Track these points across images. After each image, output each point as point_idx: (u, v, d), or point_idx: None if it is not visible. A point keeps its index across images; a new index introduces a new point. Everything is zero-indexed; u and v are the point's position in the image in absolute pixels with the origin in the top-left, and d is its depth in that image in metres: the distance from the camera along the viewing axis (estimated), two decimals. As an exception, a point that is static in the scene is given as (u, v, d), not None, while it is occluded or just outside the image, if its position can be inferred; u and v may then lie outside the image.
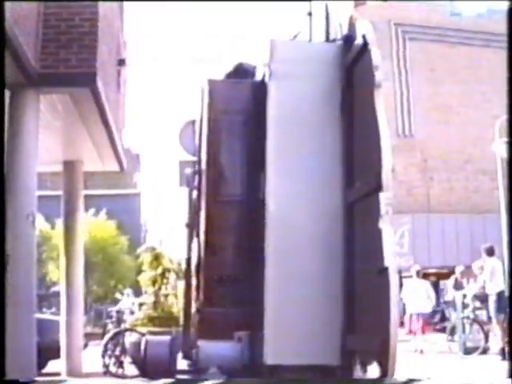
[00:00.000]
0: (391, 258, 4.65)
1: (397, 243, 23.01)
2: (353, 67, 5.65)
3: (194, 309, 6.70)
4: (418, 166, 24.42)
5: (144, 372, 7.01)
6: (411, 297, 16.59)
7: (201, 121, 6.80)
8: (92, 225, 27.82)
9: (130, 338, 12.24)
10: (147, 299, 13.25)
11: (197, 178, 6.85)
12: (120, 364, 12.31)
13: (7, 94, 8.29)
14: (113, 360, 12.29)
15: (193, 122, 7.74)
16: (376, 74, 5.04)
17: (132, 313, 14.80)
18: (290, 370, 5.59)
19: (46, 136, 10.24)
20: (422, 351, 15.28)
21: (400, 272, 21.55)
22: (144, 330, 12.09)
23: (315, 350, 5.57)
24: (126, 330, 12.75)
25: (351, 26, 5.73)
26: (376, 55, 5.08)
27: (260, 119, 6.03)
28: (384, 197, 4.78)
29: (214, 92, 6.49)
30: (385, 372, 4.79)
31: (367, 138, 5.18)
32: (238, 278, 6.16)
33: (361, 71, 5.48)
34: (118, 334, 12.64)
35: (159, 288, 13.21)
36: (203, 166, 6.54)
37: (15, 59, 7.69)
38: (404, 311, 17.20)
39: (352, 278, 5.50)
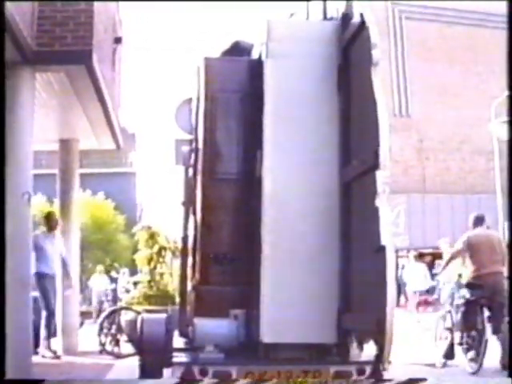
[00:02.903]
0: (388, 237, 4.66)
1: (392, 223, 23.13)
2: (350, 46, 5.64)
3: (189, 287, 6.71)
4: (413, 146, 24.43)
5: (140, 350, 7.02)
6: (410, 277, 19.16)
7: (197, 99, 6.77)
8: (90, 205, 27.79)
9: (125, 317, 12.28)
10: (143, 278, 13.24)
11: (193, 156, 6.83)
12: (116, 342, 12.32)
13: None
14: (109, 338, 12.30)
15: (189, 101, 7.71)
16: (373, 52, 5.02)
17: (128, 291, 14.80)
18: (287, 348, 5.61)
19: (42, 114, 10.16)
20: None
21: (396, 252, 21.67)
22: (140, 308, 12.07)
23: (311, 329, 5.59)
24: (122, 308, 12.73)
25: (348, 4, 5.70)
26: (373, 33, 5.07)
27: (257, 97, 6.02)
28: (381, 175, 4.78)
29: (210, 70, 6.47)
30: (381, 350, 4.81)
31: (364, 116, 5.17)
32: (234, 256, 6.16)
33: (358, 50, 5.46)
34: (114, 313, 12.63)
35: (155, 267, 13.19)
36: (199, 144, 6.52)
37: (11, 37, 7.61)
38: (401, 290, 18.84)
39: (349, 257, 5.51)
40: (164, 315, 7.18)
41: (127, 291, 14.83)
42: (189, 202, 6.79)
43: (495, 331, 8.71)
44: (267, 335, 5.57)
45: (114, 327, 12.46)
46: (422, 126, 24.25)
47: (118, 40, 11.40)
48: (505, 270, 9.04)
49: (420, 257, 21.26)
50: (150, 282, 12.85)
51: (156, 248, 13.17)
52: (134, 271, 18.90)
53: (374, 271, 4.83)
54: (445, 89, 23.97)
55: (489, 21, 24.07)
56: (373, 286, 4.86)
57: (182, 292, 6.77)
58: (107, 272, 24.69)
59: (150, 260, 13.01)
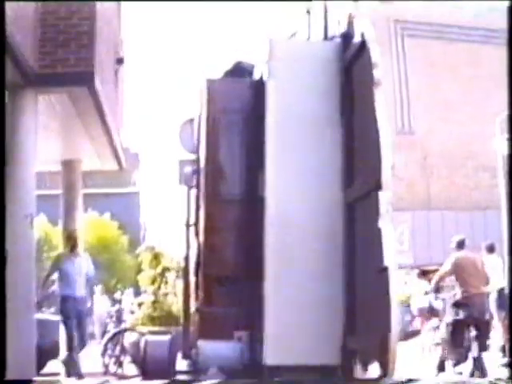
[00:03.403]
0: (391, 258, 4.62)
1: (397, 241, 23.01)
2: (352, 65, 5.61)
3: (193, 308, 6.67)
4: (417, 162, 24.37)
5: (144, 372, 7.00)
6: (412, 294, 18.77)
7: (199, 120, 6.76)
8: (95, 225, 27.82)
9: (129, 338, 12.23)
10: (147, 298, 13.17)
11: (196, 176, 6.81)
12: (120, 364, 12.28)
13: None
14: (113, 360, 12.26)
15: (191, 121, 7.70)
16: (375, 71, 5.00)
17: (132, 312, 14.73)
18: (291, 370, 5.55)
19: (44, 136, 10.20)
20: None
21: (401, 269, 21.61)
22: (144, 329, 12.01)
23: (316, 350, 5.53)
24: (126, 329, 12.71)
25: (350, 23, 5.69)
26: (375, 52, 5.05)
27: (259, 118, 6.00)
28: (384, 196, 4.74)
29: (212, 91, 6.45)
30: (385, 371, 4.76)
31: (367, 136, 5.14)
32: (237, 278, 6.12)
33: (360, 69, 5.44)
34: (118, 334, 12.60)
35: (158, 287, 13.12)
36: (202, 164, 6.50)
37: (13, 59, 7.65)
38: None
39: (353, 278, 5.46)
40: (167, 337, 7.16)
41: (132, 312, 14.75)
42: (191, 223, 6.76)
43: (482, 349, 9.38)
44: (271, 357, 5.52)
45: (117, 349, 12.44)
46: (425, 142, 24.21)
47: (120, 61, 11.45)
48: (487, 291, 10.01)
49: (423, 274, 21.19)
50: (154, 302, 12.78)
51: (160, 269, 13.11)
52: (138, 292, 18.87)
53: (377, 292, 4.78)
54: (448, 105, 23.95)
55: (492, 37, 24.06)
56: (377, 307, 4.81)
57: (185, 313, 6.73)
58: (112, 293, 24.65)
59: (153, 281, 12.93)
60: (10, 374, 8.01)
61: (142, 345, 7.48)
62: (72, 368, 10.37)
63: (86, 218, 26.78)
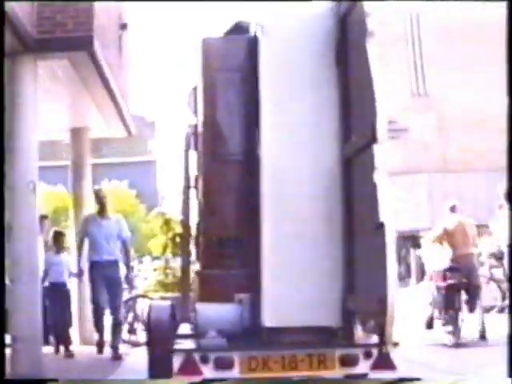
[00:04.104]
0: (387, 214, 4.48)
1: (414, 204, 22.78)
2: (346, 19, 5.44)
3: (193, 272, 6.59)
4: (433, 125, 24.06)
5: (148, 337, 6.92)
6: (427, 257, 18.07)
7: (197, 80, 6.61)
8: (114, 194, 27.81)
9: (142, 305, 12.22)
10: (158, 265, 13.14)
11: (195, 138, 6.69)
12: (133, 331, 12.26)
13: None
14: (126, 327, 12.23)
15: None
16: (368, 21, 4.81)
17: (145, 279, 14.71)
18: (290, 332, 5.46)
19: (49, 103, 10.11)
20: None
21: (418, 232, 21.32)
22: (156, 295, 12.01)
23: (315, 312, 5.43)
24: (138, 296, 12.66)
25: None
26: (368, 3, 4.86)
27: (257, 75, 5.85)
28: (379, 149, 4.59)
29: (207, 50, 6.30)
30: (383, 331, 4.65)
31: (362, 89, 4.98)
32: (238, 239, 6.01)
33: (354, 22, 5.26)
34: (130, 301, 12.56)
35: (171, 253, 13.07)
36: (200, 125, 6.37)
37: (11, 25, 7.52)
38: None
39: (351, 236, 5.35)
40: (169, 302, 7.09)
41: (145, 279, 14.74)
42: (191, 186, 6.65)
43: (471, 310, 10.12)
44: (269, 319, 5.43)
45: (130, 316, 12.41)
46: (441, 105, 23.86)
47: (123, 26, 11.28)
48: (475, 252, 10.55)
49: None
50: (165, 269, 12.75)
51: (171, 234, 13.04)
52: (154, 259, 18.83)
53: (374, 250, 4.66)
54: (465, 67, 23.54)
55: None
56: (374, 266, 4.69)
57: (185, 277, 6.62)
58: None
59: (165, 247, 12.89)
60: (17, 346, 8.02)
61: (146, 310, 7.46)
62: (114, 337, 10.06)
63: (105, 186, 26.98)
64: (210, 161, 6.19)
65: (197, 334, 5.79)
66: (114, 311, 9.94)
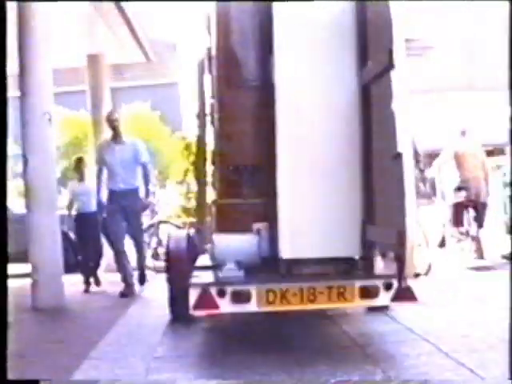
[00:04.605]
0: (405, 144, 4.28)
1: (437, 122, 22.34)
2: None
3: (209, 201, 6.47)
4: (459, 43, 23.44)
5: (166, 268, 6.89)
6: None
7: (211, 5, 6.36)
8: (136, 116, 27.62)
9: (165, 230, 12.21)
10: (181, 190, 13.05)
11: (209, 63, 6.48)
12: (156, 255, 12.30)
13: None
14: (149, 252, 12.28)
15: None
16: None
17: (168, 204, 14.67)
18: (308, 263, 5.35)
19: (63, 30, 9.90)
20: None
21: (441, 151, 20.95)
22: (178, 221, 11.98)
23: (334, 242, 5.29)
24: (160, 222, 12.65)
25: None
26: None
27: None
28: (397, 76, 4.35)
29: None
30: (402, 266, 4.51)
31: (379, 16, 4.71)
32: (255, 167, 5.85)
33: None
34: (153, 227, 12.57)
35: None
36: (214, 49, 6.15)
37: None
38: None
39: (369, 165, 5.16)
40: (189, 232, 7.03)
41: (168, 204, 14.72)
42: (205, 112, 6.46)
43: (480, 226, 10.91)
44: (287, 251, 5.31)
45: (154, 241, 12.44)
46: (468, 25, 23.33)
47: None
48: (483, 175, 11.11)
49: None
50: (187, 193, 12.63)
51: (192, 159, 12.86)
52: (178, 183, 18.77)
53: (392, 181, 4.48)
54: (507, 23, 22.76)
55: None
56: (392, 197, 4.52)
57: (201, 207, 6.49)
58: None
59: (186, 172, 12.73)
60: (38, 276, 8.03)
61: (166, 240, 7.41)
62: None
63: (126, 109, 26.76)
64: (224, 87, 5.99)
65: (214, 266, 5.70)
66: (136, 246, 9.34)
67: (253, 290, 5.12)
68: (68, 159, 24.23)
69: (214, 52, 6.16)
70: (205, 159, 6.46)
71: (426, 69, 22.14)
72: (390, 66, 4.38)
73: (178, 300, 6.63)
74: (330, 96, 5.36)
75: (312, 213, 5.34)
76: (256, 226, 5.78)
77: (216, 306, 5.13)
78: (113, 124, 9.25)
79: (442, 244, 11.47)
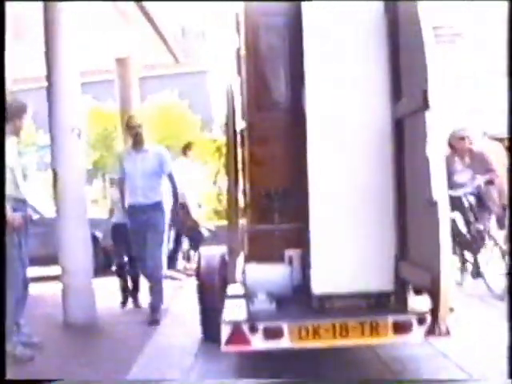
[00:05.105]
0: (441, 192, 4.16)
1: (469, 110, 21.99)
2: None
3: (240, 226, 6.39)
4: (490, 30, 23.05)
5: (199, 286, 6.85)
6: None
7: (238, 24, 6.27)
8: (163, 105, 27.54)
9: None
10: (211, 192, 12.96)
11: (239, 86, 6.39)
12: (188, 258, 12.28)
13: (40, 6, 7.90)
14: (180, 255, 12.27)
15: None
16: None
17: (199, 206, 14.59)
18: (340, 297, 5.27)
19: (91, 35, 9.84)
20: None
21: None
22: (210, 224, 11.91)
23: (366, 277, 5.20)
24: (192, 225, 12.58)
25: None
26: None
27: (301, 21, 5.48)
28: (431, 119, 4.22)
29: None
30: (436, 308, 4.41)
31: (413, 43, 4.56)
32: (287, 192, 5.79)
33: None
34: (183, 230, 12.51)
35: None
36: (244, 72, 6.07)
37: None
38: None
39: (403, 201, 5.05)
40: (221, 250, 6.96)
41: (199, 206, 14.63)
42: (235, 136, 6.37)
43: None
44: (319, 286, 5.24)
45: (186, 243, 12.40)
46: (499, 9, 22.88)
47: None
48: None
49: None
50: (218, 195, 12.54)
51: (223, 161, 12.79)
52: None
53: (427, 224, 4.37)
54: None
55: None
56: (427, 240, 4.41)
57: (232, 232, 6.39)
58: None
59: (217, 173, 12.64)
60: (68, 280, 7.99)
61: (197, 258, 7.35)
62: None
63: (154, 99, 26.69)
64: (254, 110, 5.93)
65: (245, 296, 5.64)
66: (153, 269, 8.22)
67: (285, 326, 5.06)
68: (98, 150, 24.33)
69: (244, 74, 6.08)
70: (236, 183, 6.37)
71: (458, 56, 21.85)
72: (425, 106, 4.24)
73: (209, 321, 6.61)
74: (362, 123, 5.25)
75: (345, 243, 5.26)
76: (288, 252, 5.74)
77: (248, 343, 5.07)
78: (134, 130, 8.30)
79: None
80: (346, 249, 5.23)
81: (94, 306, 8.25)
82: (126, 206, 8.38)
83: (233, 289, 6.05)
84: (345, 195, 5.26)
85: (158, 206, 8.22)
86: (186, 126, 28.80)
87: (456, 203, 8.49)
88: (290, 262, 5.71)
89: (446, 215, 4.13)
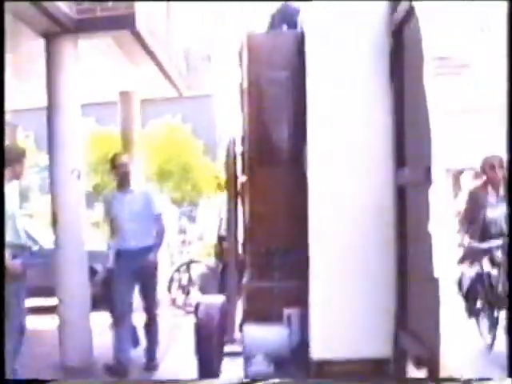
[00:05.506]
0: (442, 268, 4.09)
1: (473, 144, 21.93)
2: (401, 28, 4.91)
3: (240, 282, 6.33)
4: (497, 61, 22.96)
5: (196, 336, 6.73)
6: None
7: (242, 79, 6.23)
8: (165, 132, 27.59)
9: (196, 269, 12.13)
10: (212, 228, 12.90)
11: (240, 142, 6.35)
12: (187, 292, 12.21)
13: (42, 42, 7.88)
14: (179, 291, 12.22)
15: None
16: (423, 45, 4.30)
17: (201, 239, 14.58)
18: (340, 362, 5.19)
19: (93, 73, 9.84)
20: None
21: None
22: (210, 260, 11.85)
23: (366, 342, 5.13)
24: (192, 261, 12.56)
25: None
26: (424, 24, 4.33)
27: (304, 75, 5.45)
28: (434, 193, 4.15)
29: (253, 47, 5.90)
30: (434, 373, 4.33)
31: (417, 114, 4.51)
32: (287, 249, 5.72)
33: (409, 38, 4.75)
34: (183, 266, 12.50)
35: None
36: (246, 129, 6.02)
37: (43, 10, 7.18)
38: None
39: (404, 270, 4.98)
40: (221, 299, 6.88)
41: (200, 239, 14.62)
42: (235, 189, 6.33)
43: None
44: (318, 351, 5.17)
45: (185, 278, 12.36)
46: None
47: (171, -12, 10.83)
48: None
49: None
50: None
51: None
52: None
53: (428, 298, 4.30)
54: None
55: None
56: (427, 316, 4.34)
57: (231, 291, 6.32)
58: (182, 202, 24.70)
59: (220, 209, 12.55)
60: (65, 314, 7.91)
61: (195, 306, 7.24)
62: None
63: (156, 123, 26.68)
64: (256, 166, 5.87)
65: (243, 356, 5.56)
66: (149, 318, 7.87)
67: None
68: (98, 174, 24.32)
69: (245, 129, 6.04)
70: (236, 242, 6.30)
71: (464, 88, 21.80)
72: (428, 183, 4.18)
73: (205, 372, 6.52)
74: (363, 188, 5.19)
75: (345, 306, 5.19)
76: (287, 311, 5.66)
77: None
78: (120, 170, 7.78)
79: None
80: (346, 313, 5.16)
81: (91, 347, 8.17)
82: (115, 251, 7.86)
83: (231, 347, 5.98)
84: (346, 257, 5.20)
85: (150, 250, 7.73)
86: (187, 150, 28.83)
87: (486, 255, 7.74)
88: (289, 321, 5.62)
89: (446, 291, 4.06)
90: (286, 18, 6.65)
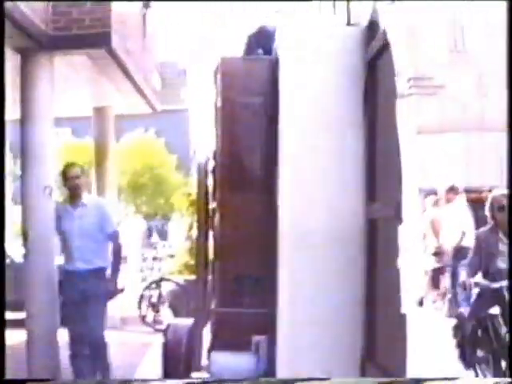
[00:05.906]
0: (410, 305, 4.12)
1: (448, 162, 22.12)
2: (375, 62, 4.94)
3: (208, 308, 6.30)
4: (472, 82, 23.19)
5: (164, 358, 6.66)
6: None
7: (215, 104, 6.23)
8: (139, 146, 27.57)
9: (167, 287, 12.08)
10: (183, 246, 12.87)
11: (212, 167, 6.31)
12: (157, 310, 12.17)
13: (18, 58, 7.83)
14: (150, 309, 12.17)
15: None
16: (396, 82, 4.33)
17: (171, 256, 14.52)
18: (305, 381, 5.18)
19: (68, 88, 9.80)
20: None
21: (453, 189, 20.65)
22: (181, 278, 11.83)
23: (332, 371, 5.11)
24: (162, 279, 12.50)
25: (374, 11, 4.98)
26: (398, 59, 4.37)
27: (278, 102, 5.46)
28: (404, 231, 4.17)
29: (227, 72, 5.90)
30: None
31: (388, 149, 4.54)
32: (257, 277, 5.70)
33: (383, 70, 4.78)
34: (153, 284, 12.46)
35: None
36: (218, 151, 6.00)
37: (21, 25, 7.13)
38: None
39: (373, 301, 4.99)
40: (190, 322, 6.83)
41: (171, 256, 14.55)
42: (206, 214, 6.29)
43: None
44: (284, 372, 5.16)
45: (155, 295, 12.31)
46: (480, 61, 23.02)
47: (146, 5, 10.80)
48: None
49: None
50: (190, 250, 12.41)
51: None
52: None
53: (395, 335, 4.31)
54: (505, 22, 22.65)
55: None
56: (395, 350, 4.35)
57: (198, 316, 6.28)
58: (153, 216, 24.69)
59: (190, 228, 12.53)
60: (33, 328, 7.80)
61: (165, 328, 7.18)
62: None
63: (129, 137, 26.63)
64: (227, 194, 5.83)
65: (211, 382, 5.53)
66: (93, 347, 7.08)
67: None
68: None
69: (217, 155, 6.01)
70: (206, 273, 6.27)
71: (438, 108, 22.01)
72: (398, 220, 4.19)
73: None
74: (333, 216, 5.19)
75: (312, 333, 5.19)
76: (255, 338, 5.63)
77: None
78: (72, 182, 7.05)
79: (421, 304, 11.00)
80: (313, 341, 5.15)
81: (58, 362, 8.08)
82: (61, 272, 7.35)
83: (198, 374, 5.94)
84: (314, 285, 5.20)
85: (100, 272, 7.01)
86: (160, 163, 28.80)
87: (495, 295, 6.71)
88: (257, 348, 5.60)
89: (413, 327, 4.07)
90: (261, 42, 6.66)
